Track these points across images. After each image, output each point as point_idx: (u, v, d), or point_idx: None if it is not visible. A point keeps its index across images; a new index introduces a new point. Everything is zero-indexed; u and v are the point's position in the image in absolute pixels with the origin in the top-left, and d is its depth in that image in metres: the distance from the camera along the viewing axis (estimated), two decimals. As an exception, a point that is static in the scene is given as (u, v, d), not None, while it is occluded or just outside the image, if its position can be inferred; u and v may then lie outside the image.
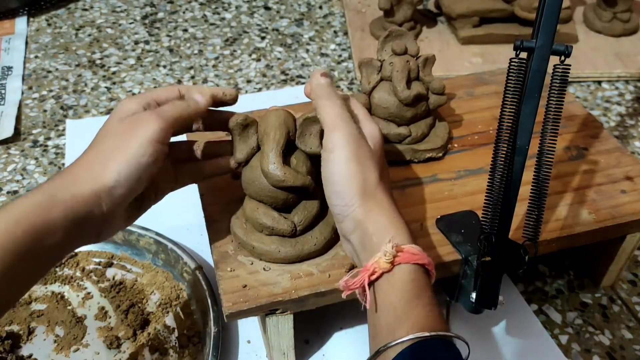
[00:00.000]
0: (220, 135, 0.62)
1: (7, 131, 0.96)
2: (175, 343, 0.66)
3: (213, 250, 0.60)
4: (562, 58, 0.52)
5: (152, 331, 0.66)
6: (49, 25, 1.24)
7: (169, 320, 0.68)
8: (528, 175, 0.54)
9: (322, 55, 1.15)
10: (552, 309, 0.73)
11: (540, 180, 0.55)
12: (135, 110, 0.51)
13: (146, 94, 0.54)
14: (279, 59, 1.14)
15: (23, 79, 1.09)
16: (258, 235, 0.59)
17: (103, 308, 0.69)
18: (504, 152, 0.53)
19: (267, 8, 1.29)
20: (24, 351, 0.65)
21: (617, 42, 1.14)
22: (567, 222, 0.63)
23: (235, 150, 0.57)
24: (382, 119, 0.68)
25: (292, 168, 0.56)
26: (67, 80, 1.09)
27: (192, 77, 1.09)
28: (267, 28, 1.23)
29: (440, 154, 0.70)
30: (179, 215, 0.80)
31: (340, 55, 1.15)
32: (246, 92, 1.05)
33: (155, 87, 1.07)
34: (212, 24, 1.24)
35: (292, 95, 1.03)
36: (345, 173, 0.51)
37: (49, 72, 1.11)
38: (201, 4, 1.30)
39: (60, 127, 0.98)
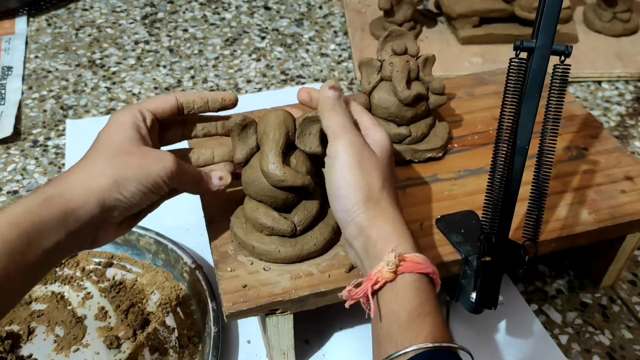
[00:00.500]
0: (221, 141, 0.62)
1: (7, 131, 0.96)
2: (175, 343, 0.66)
3: (213, 250, 0.60)
4: (562, 58, 0.52)
5: (152, 331, 0.66)
6: (49, 25, 1.24)
7: (169, 320, 0.68)
8: (528, 175, 0.54)
9: (322, 55, 1.15)
10: (552, 309, 0.73)
11: (540, 180, 0.55)
12: (131, 124, 0.52)
13: (141, 104, 0.54)
14: (279, 59, 1.14)
15: (23, 79, 1.09)
16: (258, 235, 0.59)
17: (103, 308, 0.69)
18: (504, 152, 0.53)
19: (267, 8, 1.29)
20: (24, 351, 0.65)
21: (617, 42, 1.14)
22: (567, 222, 0.63)
23: (234, 150, 0.57)
24: (382, 119, 0.68)
25: (291, 168, 0.56)
26: (67, 80, 1.09)
27: (192, 77, 1.09)
28: (267, 28, 1.23)
29: (440, 154, 0.70)
30: (179, 215, 0.80)
31: (340, 55, 1.15)
32: (246, 92, 1.05)
33: (155, 87, 1.07)
34: (212, 24, 1.24)
35: (292, 95, 1.02)
36: (348, 179, 0.51)
37: (49, 72, 1.11)
38: (201, 4, 1.30)
39: (60, 127, 0.98)
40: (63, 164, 0.91)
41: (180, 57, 1.14)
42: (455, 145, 0.72)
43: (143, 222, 0.74)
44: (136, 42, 1.19)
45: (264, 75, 1.10)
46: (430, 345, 0.43)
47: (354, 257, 0.53)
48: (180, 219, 0.80)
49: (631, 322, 0.72)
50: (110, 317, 0.68)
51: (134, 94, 1.05)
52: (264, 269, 0.58)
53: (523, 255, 0.55)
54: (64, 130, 0.97)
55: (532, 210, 0.56)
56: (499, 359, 0.66)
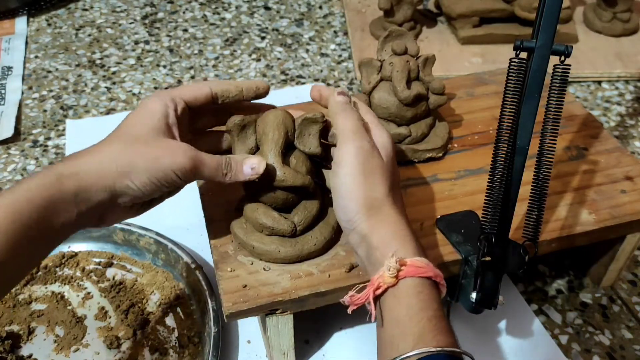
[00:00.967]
0: None
1: (7, 131, 0.96)
2: (175, 343, 0.66)
3: (213, 250, 0.60)
4: (562, 58, 0.52)
5: (152, 331, 0.66)
6: (49, 25, 1.24)
7: (169, 320, 0.68)
8: (528, 175, 0.54)
9: (322, 55, 1.15)
10: (552, 309, 0.73)
11: (540, 180, 0.55)
12: (160, 112, 0.51)
13: (174, 91, 0.53)
14: (279, 59, 1.14)
15: (23, 79, 1.09)
16: (258, 235, 0.59)
17: (103, 308, 0.69)
18: (504, 152, 0.53)
19: (267, 8, 1.29)
20: (24, 351, 0.65)
21: (617, 42, 1.14)
22: (567, 222, 0.63)
23: (234, 151, 0.57)
24: (382, 119, 0.68)
25: (291, 168, 0.56)
26: (67, 80, 1.09)
27: (192, 77, 1.09)
28: (267, 28, 1.23)
29: (440, 154, 0.70)
30: (179, 215, 0.80)
31: (340, 55, 1.15)
32: (246, 92, 1.05)
33: (155, 87, 1.07)
34: (212, 24, 1.24)
35: (292, 95, 1.03)
36: (350, 187, 0.51)
37: (49, 72, 1.11)
38: (201, 4, 1.30)
39: (60, 127, 0.98)
40: (63, 164, 0.91)
41: (180, 57, 1.14)
42: (455, 145, 0.72)
43: (143, 222, 0.74)
44: (136, 42, 1.19)
45: (264, 75, 1.10)
46: (433, 349, 0.43)
47: (361, 263, 0.54)
48: (180, 219, 0.80)
49: (631, 322, 0.72)
50: (110, 317, 0.68)
51: (134, 94, 1.05)
52: (264, 269, 0.58)
53: (523, 255, 0.55)
54: (64, 130, 0.97)
55: (532, 210, 0.56)
56: (499, 359, 0.66)
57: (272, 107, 0.62)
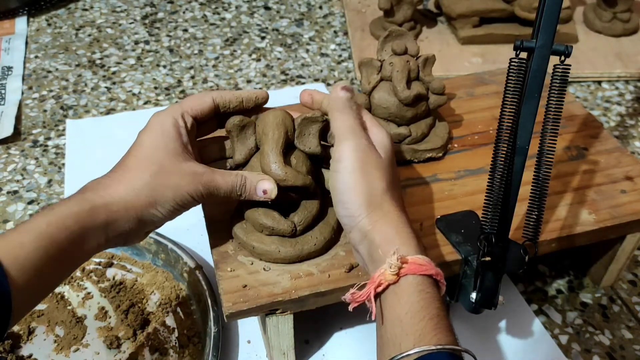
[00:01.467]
0: None
1: (7, 131, 0.96)
2: (175, 343, 0.66)
3: (213, 250, 0.60)
4: (562, 58, 0.52)
5: (152, 331, 0.66)
6: (49, 25, 1.24)
7: (169, 320, 0.68)
8: (528, 175, 0.54)
9: (322, 55, 1.15)
10: (552, 309, 0.73)
11: (540, 180, 0.55)
12: (174, 133, 0.53)
13: (182, 108, 0.55)
14: (279, 59, 1.14)
15: (23, 79, 1.09)
16: (258, 235, 0.59)
17: (103, 308, 0.69)
18: (504, 152, 0.53)
19: (267, 8, 1.29)
20: (24, 351, 0.65)
21: (617, 42, 1.14)
22: (567, 222, 0.63)
23: (233, 151, 0.57)
24: (382, 119, 0.68)
25: (292, 168, 0.56)
26: (67, 80, 1.09)
27: (192, 77, 1.09)
28: (267, 28, 1.23)
29: (440, 154, 0.70)
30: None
31: (340, 55, 1.15)
32: (246, 92, 1.05)
33: (155, 87, 1.07)
34: (212, 24, 1.24)
35: (292, 95, 1.03)
36: (350, 184, 0.51)
37: (49, 72, 1.11)
38: (201, 4, 1.30)
39: (60, 127, 0.98)
40: (63, 164, 0.91)
41: (180, 57, 1.14)
42: (455, 145, 0.72)
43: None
44: (136, 42, 1.19)
45: (264, 75, 1.10)
46: (434, 347, 0.43)
47: (361, 260, 0.53)
48: (180, 219, 0.79)
49: (631, 322, 0.72)
50: (110, 317, 0.68)
51: (134, 94, 1.05)
52: (264, 269, 0.58)
53: (523, 255, 0.55)
54: (64, 130, 0.97)
55: (532, 210, 0.56)
56: (498, 359, 0.66)
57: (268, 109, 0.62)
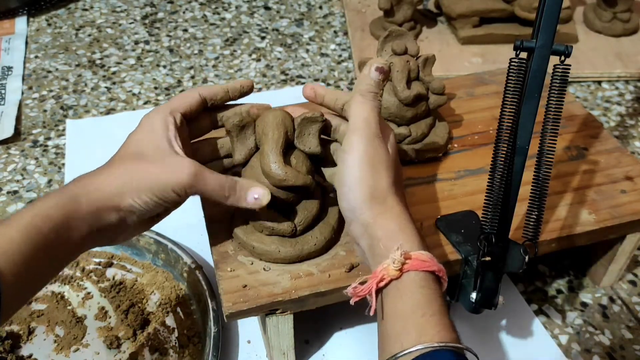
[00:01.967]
0: None
1: (7, 131, 0.96)
2: (175, 343, 0.66)
3: (213, 250, 0.60)
4: (562, 58, 0.52)
5: (152, 331, 0.66)
6: (49, 25, 1.24)
7: (169, 320, 0.68)
8: (528, 175, 0.54)
9: (322, 55, 1.15)
10: (552, 309, 0.73)
11: (540, 180, 0.55)
12: (162, 129, 0.52)
13: (171, 105, 0.54)
14: (279, 59, 1.14)
15: (23, 79, 1.09)
16: (258, 235, 0.59)
17: (103, 308, 0.69)
18: (504, 152, 0.53)
19: (267, 8, 1.29)
20: (24, 351, 0.65)
21: (617, 42, 1.14)
22: (567, 222, 0.63)
23: (233, 151, 0.57)
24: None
25: (292, 168, 0.56)
26: (67, 80, 1.09)
27: (192, 77, 1.09)
28: (267, 28, 1.23)
29: (440, 154, 0.70)
30: (179, 215, 0.80)
31: (340, 55, 1.15)
32: (246, 92, 1.05)
33: (155, 87, 1.07)
34: (212, 24, 1.24)
35: (292, 95, 1.03)
36: (356, 175, 0.51)
37: (49, 72, 1.11)
38: (201, 4, 1.30)
39: (60, 127, 0.98)
40: (63, 164, 0.91)
41: (180, 57, 1.14)
42: (455, 145, 0.72)
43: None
44: (136, 42, 1.19)
45: (264, 75, 1.10)
46: (436, 344, 0.43)
47: (362, 254, 0.53)
48: (180, 219, 0.80)
49: (631, 322, 0.72)
50: (110, 317, 0.68)
51: (134, 94, 1.05)
52: (264, 269, 0.58)
53: (523, 255, 0.55)
54: (64, 130, 0.97)
55: (532, 210, 0.56)
56: (499, 359, 0.66)
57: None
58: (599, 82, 1.08)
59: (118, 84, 1.08)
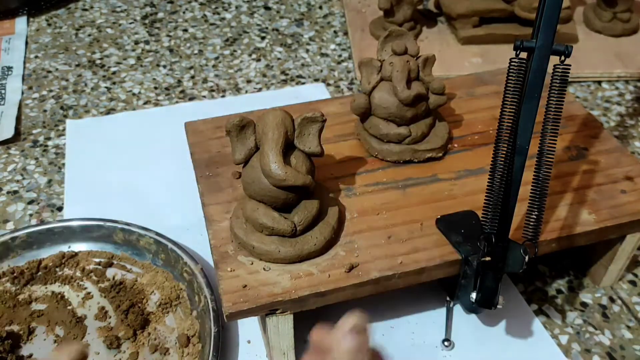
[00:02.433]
0: None
1: (7, 131, 0.96)
2: (175, 343, 0.66)
3: (213, 250, 0.60)
4: (562, 58, 0.52)
5: (152, 331, 0.66)
6: (49, 25, 1.24)
7: (169, 321, 0.68)
8: (528, 175, 0.54)
9: (322, 55, 1.15)
10: (552, 309, 0.73)
11: (540, 180, 0.55)
12: None
13: None
14: (279, 59, 1.14)
15: (23, 79, 1.09)
16: (258, 235, 0.59)
17: (103, 308, 0.69)
18: (504, 152, 0.53)
19: (267, 8, 1.29)
20: (24, 351, 0.65)
21: (617, 42, 1.14)
22: (567, 222, 0.63)
23: (233, 151, 0.57)
24: (382, 119, 0.68)
25: (292, 168, 0.56)
26: (67, 80, 1.09)
27: (192, 77, 1.09)
28: (267, 28, 1.23)
29: (440, 154, 0.70)
30: (179, 215, 0.80)
31: (340, 55, 1.15)
32: (246, 92, 1.05)
33: (155, 87, 1.07)
34: (212, 24, 1.24)
35: (292, 95, 1.03)
36: None
37: (49, 72, 1.11)
38: (201, 4, 1.30)
39: (60, 127, 0.98)
40: (63, 164, 0.91)
41: (180, 57, 1.14)
42: (455, 145, 0.72)
43: (143, 222, 0.74)
44: (136, 42, 1.18)
45: (264, 75, 1.10)
46: None
47: None
48: (180, 219, 0.80)
49: (631, 322, 0.72)
50: (110, 317, 0.68)
51: (134, 94, 1.05)
52: (264, 269, 0.58)
53: (523, 255, 0.55)
54: (64, 130, 0.97)
55: (532, 210, 0.56)
56: (499, 359, 0.66)
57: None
58: (599, 82, 1.08)
59: (118, 84, 1.08)
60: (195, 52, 1.16)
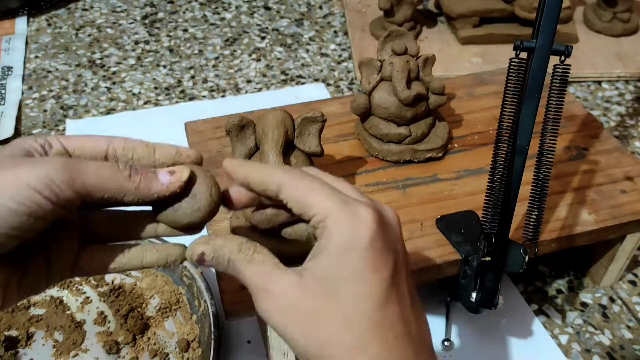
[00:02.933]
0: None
1: (7, 131, 0.96)
2: (175, 347, 0.66)
3: (213, 250, 0.60)
4: (562, 58, 0.52)
5: (151, 336, 0.66)
6: (49, 25, 1.24)
7: (169, 325, 0.68)
8: (528, 175, 0.54)
9: (322, 55, 1.15)
10: (552, 309, 0.73)
11: (540, 180, 0.55)
12: (22, 146, 0.35)
13: (51, 136, 0.37)
14: (279, 59, 1.14)
15: (23, 79, 1.09)
16: (258, 235, 0.58)
17: (102, 312, 0.68)
18: (504, 152, 0.53)
19: (267, 8, 1.29)
20: (23, 356, 0.64)
21: (617, 42, 1.14)
22: (567, 222, 0.63)
23: (233, 152, 0.57)
24: (382, 119, 0.68)
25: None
26: (67, 80, 1.09)
27: (192, 77, 1.09)
28: (267, 28, 1.23)
29: (440, 154, 0.70)
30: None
31: (340, 55, 1.15)
32: (246, 92, 1.05)
33: (155, 87, 1.07)
34: (212, 24, 1.24)
35: (292, 95, 1.03)
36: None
37: (49, 72, 1.10)
38: (201, 4, 1.30)
39: (60, 127, 0.98)
40: (63, 164, 0.91)
41: (180, 57, 1.14)
42: (455, 145, 0.72)
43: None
44: (136, 42, 1.18)
45: (264, 75, 1.10)
46: None
47: None
48: (180, 219, 0.80)
49: (631, 322, 0.71)
50: (109, 322, 0.68)
51: (134, 94, 1.05)
52: (263, 269, 0.58)
53: (523, 255, 0.55)
54: (64, 130, 0.97)
55: (532, 210, 0.55)
56: (499, 359, 0.66)
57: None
58: (599, 82, 1.08)
59: (118, 84, 1.08)
60: (195, 52, 1.16)
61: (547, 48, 0.51)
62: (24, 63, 1.13)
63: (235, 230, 0.60)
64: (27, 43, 1.18)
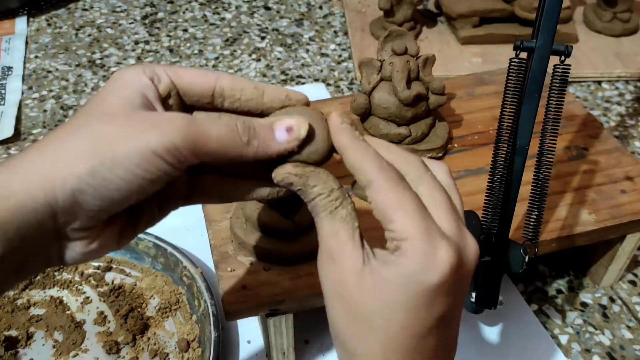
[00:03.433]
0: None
1: (7, 131, 0.96)
2: (175, 348, 0.66)
3: (213, 250, 0.60)
4: (562, 58, 0.52)
5: (151, 336, 0.66)
6: (49, 25, 1.24)
7: (169, 325, 0.68)
8: (528, 175, 0.54)
9: (322, 55, 1.15)
10: (552, 309, 0.72)
11: (540, 180, 0.55)
12: (135, 83, 0.35)
13: (159, 65, 0.36)
14: (279, 59, 1.14)
15: (23, 79, 1.09)
16: (258, 235, 0.59)
17: (102, 313, 0.68)
18: (504, 152, 0.53)
19: (267, 8, 1.29)
20: (23, 356, 0.64)
21: (617, 42, 1.14)
22: (567, 222, 0.63)
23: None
24: (382, 119, 0.68)
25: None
26: (67, 80, 1.09)
27: (192, 78, 1.09)
28: (267, 28, 1.23)
29: (440, 154, 0.70)
30: (178, 215, 0.80)
31: (340, 55, 1.15)
32: (246, 92, 1.05)
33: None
34: (212, 24, 1.24)
35: (292, 96, 1.03)
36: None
37: (49, 72, 1.10)
38: (201, 4, 1.30)
39: (60, 128, 0.98)
40: (63, 165, 0.91)
41: (180, 57, 1.14)
42: (455, 145, 0.72)
43: (143, 223, 0.74)
44: (136, 42, 1.18)
45: (264, 75, 1.10)
46: None
47: None
48: (180, 219, 0.80)
49: (631, 322, 0.71)
50: (109, 322, 0.68)
51: (133, 95, 1.05)
52: (264, 269, 0.58)
53: (523, 255, 0.55)
54: (63, 130, 0.97)
55: (532, 210, 0.55)
56: (499, 359, 0.66)
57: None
58: (599, 82, 1.08)
59: (118, 84, 1.07)
60: (195, 52, 1.16)
61: (547, 48, 0.51)
62: (24, 63, 1.12)
63: (234, 230, 0.60)
64: (27, 43, 1.18)
